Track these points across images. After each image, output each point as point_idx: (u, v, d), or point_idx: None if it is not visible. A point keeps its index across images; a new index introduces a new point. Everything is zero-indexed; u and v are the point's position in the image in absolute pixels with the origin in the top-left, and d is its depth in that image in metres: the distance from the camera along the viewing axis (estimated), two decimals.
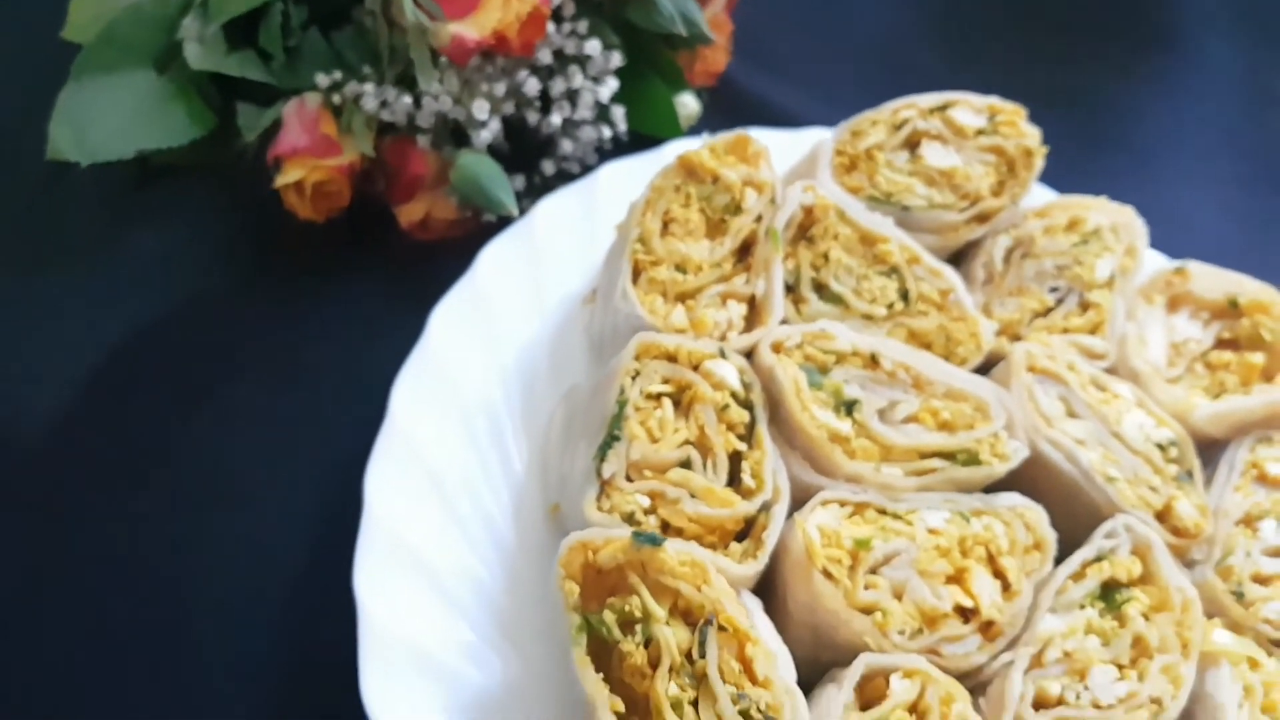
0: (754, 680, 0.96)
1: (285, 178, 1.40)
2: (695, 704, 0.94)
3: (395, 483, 1.17)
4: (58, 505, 1.22)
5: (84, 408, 1.28)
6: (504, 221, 1.42)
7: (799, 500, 1.12)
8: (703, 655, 0.95)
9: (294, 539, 1.21)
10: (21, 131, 1.44)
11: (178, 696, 1.14)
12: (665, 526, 1.08)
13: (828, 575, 1.06)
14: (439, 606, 1.13)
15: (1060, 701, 1.04)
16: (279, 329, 1.38)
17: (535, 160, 1.53)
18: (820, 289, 1.27)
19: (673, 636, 0.96)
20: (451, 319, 1.30)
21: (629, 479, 1.09)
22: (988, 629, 1.08)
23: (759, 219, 1.26)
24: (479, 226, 1.49)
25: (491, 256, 1.37)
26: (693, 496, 1.09)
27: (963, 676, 1.06)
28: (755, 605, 1.06)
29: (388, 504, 1.15)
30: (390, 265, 1.46)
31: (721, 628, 0.97)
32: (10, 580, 1.18)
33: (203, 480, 1.25)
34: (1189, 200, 1.91)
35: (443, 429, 1.23)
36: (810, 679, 1.05)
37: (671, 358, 1.15)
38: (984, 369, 1.26)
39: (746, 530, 1.11)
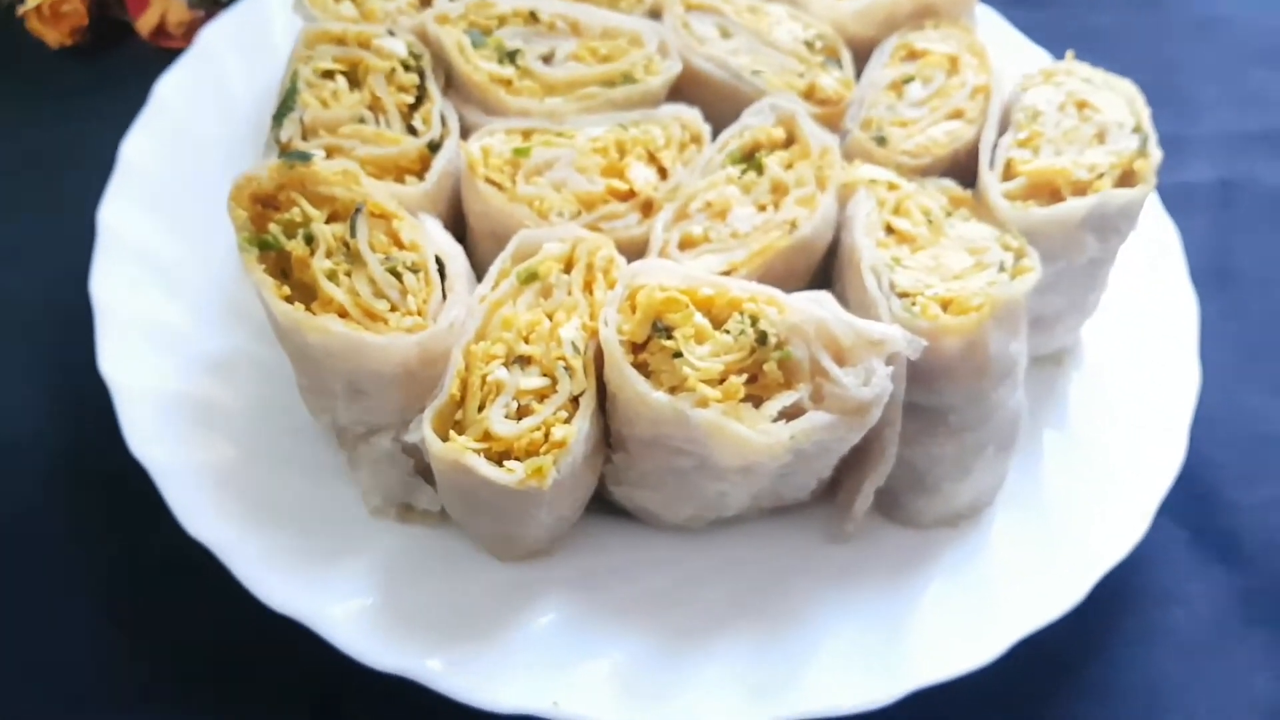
0: (402, 246, 1.08)
1: (27, 5, 1.54)
2: (351, 275, 1.06)
3: (126, 206, 1.29)
4: None
5: None
6: None
7: None
8: (354, 236, 1.07)
9: (54, 266, 1.37)
10: None
11: None
12: None
13: (490, 182, 1.18)
14: (169, 291, 1.25)
15: (705, 240, 1.15)
16: (41, 133, 1.53)
17: None
18: None
19: (329, 229, 1.08)
20: (176, 83, 1.43)
21: (305, 140, 1.21)
22: (648, 208, 1.20)
23: None
24: None
25: (214, 31, 1.49)
26: (365, 144, 1.21)
27: (632, 251, 1.17)
28: (436, 222, 1.17)
29: (120, 223, 1.28)
30: (139, 74, 1.58)
31: (373, 215, 1.09)
32: None
33: None
34: None
35: (173, 163, 1.36)
36: None
37: (341, 41, 1.27)
38: None
39: None
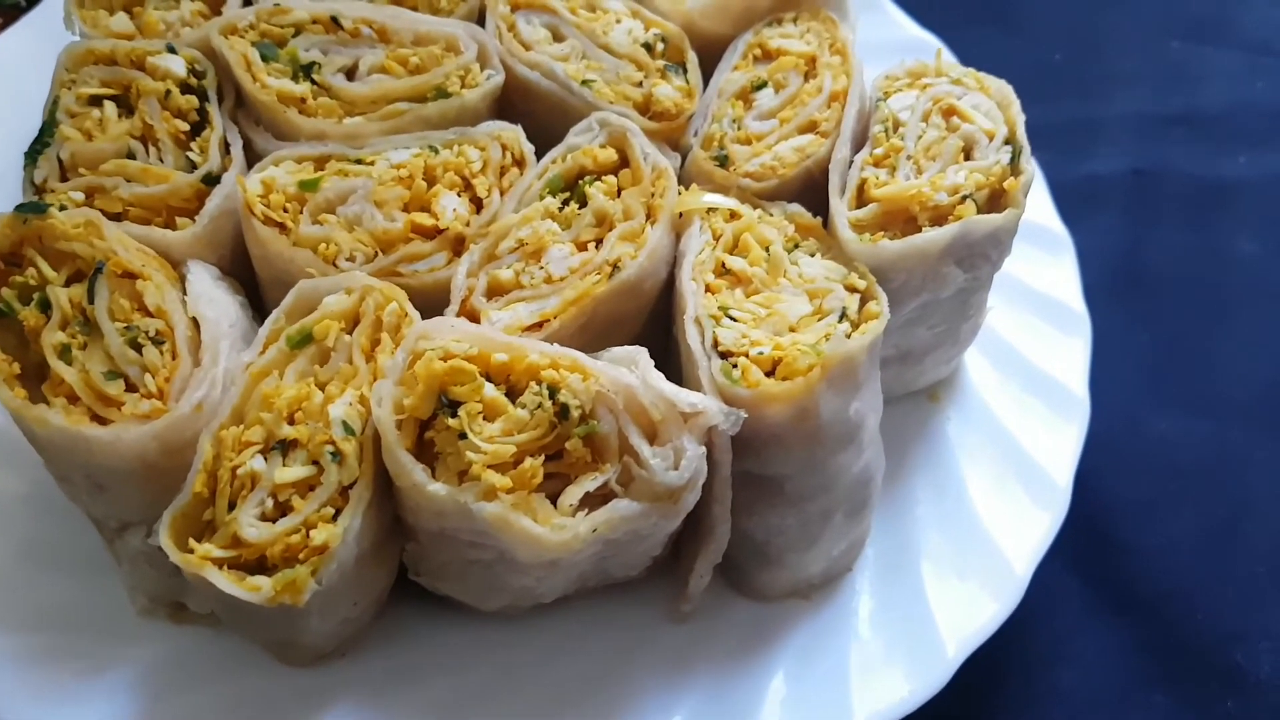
0: (147, 312, 0.94)
1: None
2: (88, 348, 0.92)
3: None
4: None
5: None
6: None
7: None
8: (92, 301, 0.92)
9: None
10: None
11: None
12: (113, 219, 1.04)
13: (270, 222, 1.03)
14: None
15: (516, 285, 1.00)
16: None
17: None
18: None
19: (65, 294, 0.93)
20: None
21: (65, 179, 1.06)
22: (460, 245, 1.05)
23: None
24: None
25: (3, 44, 1.33)
26: (131, 182, 1.05)
27: (439, 299, 1.02)
28: (207, 271, 1.02)
29: None
30: None
31: (118, 274, 0.94)
32: None
33: None
34: None
35: None
36: None
37: (110, 60, 1.11)
38: None
39: None
